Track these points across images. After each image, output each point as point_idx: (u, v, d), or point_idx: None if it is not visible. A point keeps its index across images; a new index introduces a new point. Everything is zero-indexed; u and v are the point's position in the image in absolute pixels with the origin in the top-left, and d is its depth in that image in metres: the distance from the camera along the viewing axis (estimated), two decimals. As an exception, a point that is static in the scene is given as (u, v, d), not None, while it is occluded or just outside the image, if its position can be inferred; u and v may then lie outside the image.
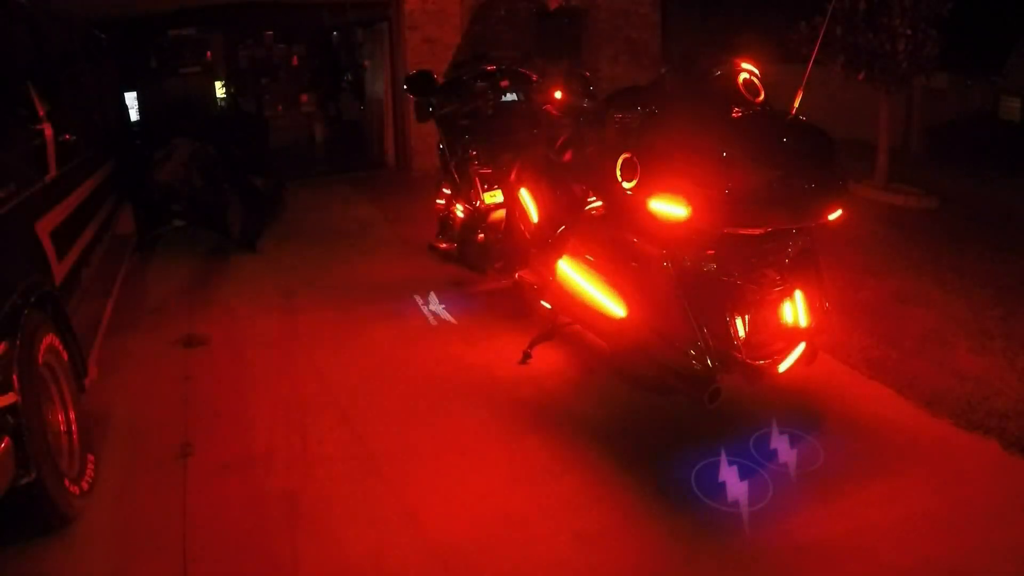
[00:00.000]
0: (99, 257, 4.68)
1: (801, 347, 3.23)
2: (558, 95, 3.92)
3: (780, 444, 3.11)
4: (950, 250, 5.73)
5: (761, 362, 3.11)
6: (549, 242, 4.08)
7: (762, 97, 3.21)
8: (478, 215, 4.92)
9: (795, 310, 3.21)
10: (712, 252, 3.10)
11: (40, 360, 2.72)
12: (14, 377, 2.41)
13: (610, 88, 3.93)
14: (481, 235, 4.95)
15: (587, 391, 3.76)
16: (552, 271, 3.92)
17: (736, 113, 3.17)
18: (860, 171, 7.76)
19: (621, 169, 3.26)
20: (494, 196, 4.83)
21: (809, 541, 2.63)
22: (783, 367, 3.17)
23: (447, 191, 5.37)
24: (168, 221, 6.80)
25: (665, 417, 3.45)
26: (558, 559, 2.58)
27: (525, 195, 4.38)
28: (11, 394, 2.38)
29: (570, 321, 4.11)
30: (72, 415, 3.00)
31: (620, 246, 3.41)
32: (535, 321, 4.36)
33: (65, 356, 3.03)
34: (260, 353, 4.31)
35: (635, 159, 3.16)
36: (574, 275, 3.69)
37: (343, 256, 6.19)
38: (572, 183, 3.98)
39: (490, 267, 5.03)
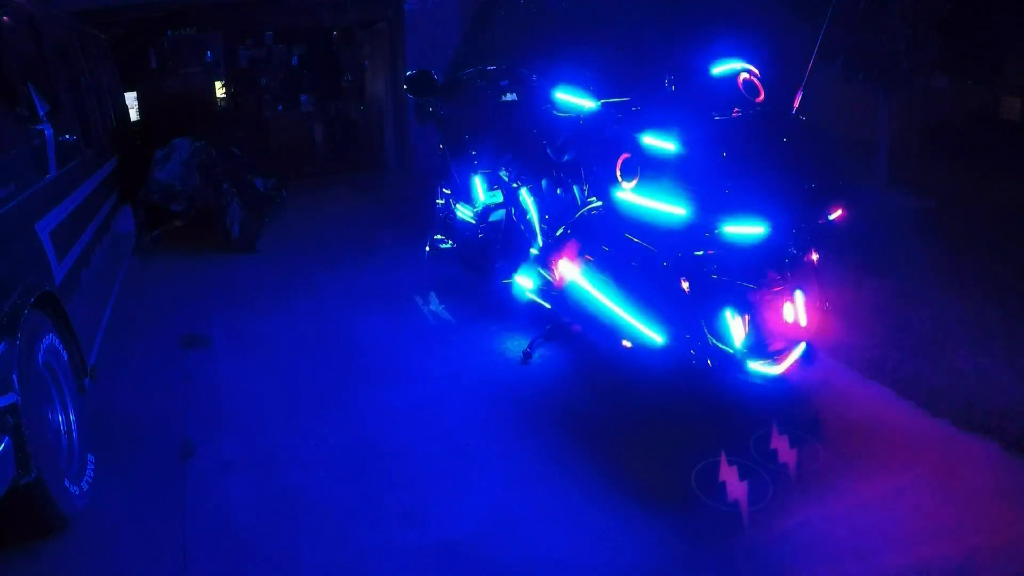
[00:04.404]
0: (99, 257, 4.68)
1: (801, 347, 3.23)
2: (558, 95, 3.92)
3: (780, 444, 3.11)
4: (950, 250, 5.73)
5: (761, 362, 3.11)
6: (549, 242, 4.08)
7: (762, 97, 3.21)
8: (478, 215, 4.92)
9: (795, 310, 3.21)
10: (712, 252, 3.10)
11: (40, 360, 2.72)
12: (14, 377, 2.41)
13: (611, 88, 3.92)
14: (481, 235, 4.95)
15: (587, 391, 3.76)
16: (552, 271, 3.92)
17: (736, 113, 3.18)
18: (860, 171, 7.76)
19: (621, 169, 3.26)
20: (494, 196, 4.83)
21: (809, 541, 2.63)
22: (783, 367, 3.17)
23: (447, 191, 5.37)
24: (168, 221, 6.80)
25: (665, 417, 3.45)
26: (557, 559, 2.58)
27: (525, 195, 4.38)
28: (11, 394, 2.38)
29: (570, 321, 4.12)
30: (72, 415, 3.00)
31: (620, 246, 3.41)
32: (535, 321, 4.36)
33: (65, 356, 3.03)
34: (260, 353, 4.32)
35: (635, 159, 3.17)
36: (574, 275, 3.69)
37: (343, 256, 6.19)
38: (572, 183, 3.98)
39: (490, 267, 5.03)
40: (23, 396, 2.44)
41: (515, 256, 4.54)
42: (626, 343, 3.43)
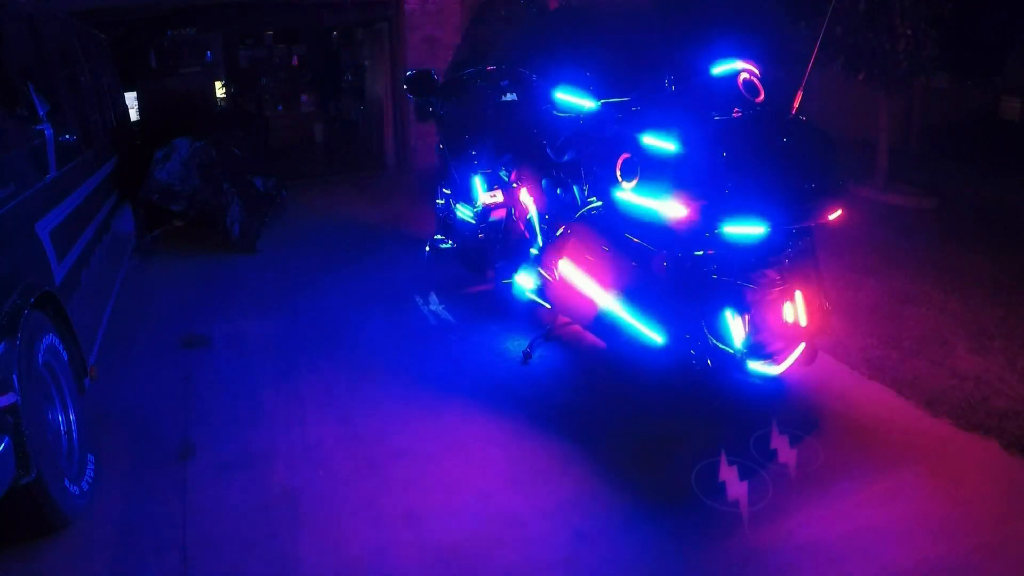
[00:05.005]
0: (99, 257, 4.68)
1: (801, 347, 3.23)
2: (558, 95, 3.92)
3: (780, 444, 3.11)
4: (950, 250, 5.73)
5: (761, 362, 3.11)
6: (549, 242, 4.08)
7: (762, 97, 3.21)
8: (478, 215, 4.92)
9: (795, 310, 3.21)
10: (712, 252, 3.10)
11: (40, 360, 2.72)
12: (14, 377, 2.41)
13: (611, 88, 3.92)
14: (481, 235, 4.95)
15: (587, 391, 3.76)
16: (552, 271, 3.92)
17: (736, 113, 3.18)
18: (860, 171, 7.76)
19: (621, 169, 3.26)
20: (494, 196, 4.83)
21: (809, 541, 2.63)
22: (783, 367, 3.17)
23: (447, 191, 5.37)
24: (168, 221, 6.80)
25: (665, 417, 3.45)
26: (558, 559, 2.58)
27: (525, 195, 4.38)
28: (11, 394, 2.38)
29: (570, 321, 4.12)
30: (72, 415, 3.00)
31: (620, 246, 3.41)
32: (535, 321, 4.36)
33: (65, 356, 3.03)
34: (260, 353, 4.31)
35: (635, 159, 3.17)
36: (574, 275, 3.69)
37: (343, 256, 6.19)
38: (572, 183, 3.98)
39: (490, 267, 5.03)
40: (23, 396, 2.44)
41: (515, 256, 4.54)
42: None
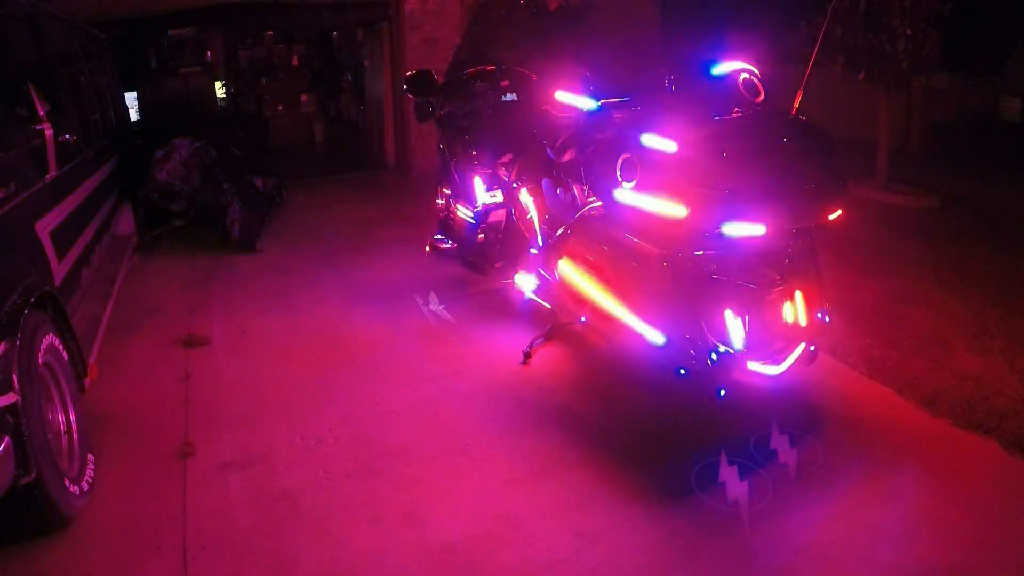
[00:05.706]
0: (99, 257, 4.68)
1: (801, 347, 3.23)
2: (558, 95, 3.92)
3: (780, 444, 3.11)
4: (950, 250, 5.73)
5: (761, 362, 3.11)
6: (549, 242, 4.08)
7: (762, 97, 3.21)
8: (478, 215, 4.92)
9: (795, 310, 3.21)
10: (712, 252, 3.10)
11: (40, 360, 2.72)
12: (14, 377, 2.41)
13: (611, 88, 3.92)
14: (481, 235, 4.95)
15: (587, 391, 3.76)
16: (552, 271, 3.92)
17: (736, 113, 3.18)
18: (860, 171, 7.76)
19: (621, 169, 3.26)
20: (494, 196, 4.83)
21: (808, 541, 2.63)
22: (783, 367, 3.17)
23: (447, 191, 5.37)
24: (168, 221, 6.80)
25: (665, 417, 3.45)
26: (557, 559, 2.58)
27: (525, 195, 4.38)
28: (11, 394, 2.38)
29: (570, 321, 4.12)
30: (72, 415, 3.00)
31: (620, 246, 3.41)
32: (535, 321, 4.36)
33: (65, 356, 3.03)
34: (260, 353, 4.31)
35: (635, 159, 3.17)
36: (575, 275, 3.69)
37: (343, 256, 6.19)
38: (572, 183, 3.98)
39: (490, 267, 5.03)
40: (23, 396, 2.44)
41: (515, 256, 4.54)
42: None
